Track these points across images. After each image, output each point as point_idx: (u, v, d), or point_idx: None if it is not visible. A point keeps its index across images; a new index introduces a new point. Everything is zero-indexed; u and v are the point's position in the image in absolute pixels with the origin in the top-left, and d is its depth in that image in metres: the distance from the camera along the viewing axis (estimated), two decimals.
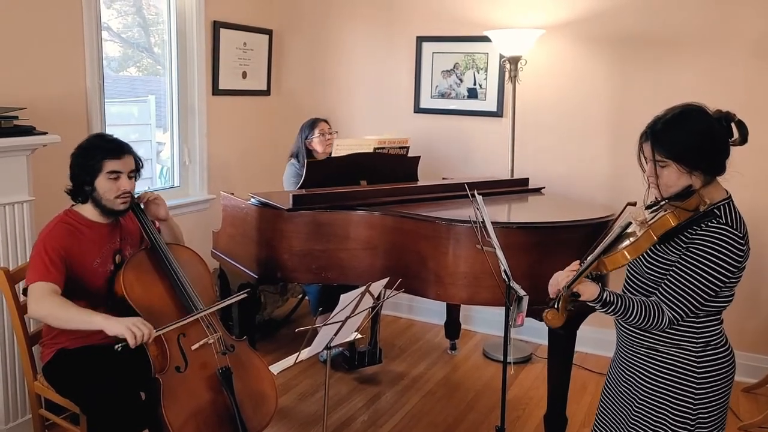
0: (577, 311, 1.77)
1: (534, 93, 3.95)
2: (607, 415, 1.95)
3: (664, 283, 1.73)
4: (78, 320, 2.18)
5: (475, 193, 2.26)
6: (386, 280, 2.33)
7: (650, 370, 1.80)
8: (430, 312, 4.35)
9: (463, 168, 4.17)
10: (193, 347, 2.29)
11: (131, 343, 2.08)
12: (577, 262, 1.81)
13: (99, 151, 2.30)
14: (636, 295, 1.83)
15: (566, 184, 3.87)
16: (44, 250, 2.22)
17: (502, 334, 2.66)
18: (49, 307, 2.17)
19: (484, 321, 4.25)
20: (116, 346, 2.10)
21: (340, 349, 3.55)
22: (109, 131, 3.39)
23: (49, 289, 2.19)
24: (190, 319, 2.32)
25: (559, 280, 1.77)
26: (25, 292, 2.27)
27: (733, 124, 1.72)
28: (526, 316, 2.19)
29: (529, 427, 3.13)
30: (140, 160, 2.42)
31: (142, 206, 2.49)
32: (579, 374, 3.59)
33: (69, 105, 3.18)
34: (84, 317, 2.18)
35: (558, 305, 1.69)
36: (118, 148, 2.33)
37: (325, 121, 3.87)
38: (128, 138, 2.47)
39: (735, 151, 1.74)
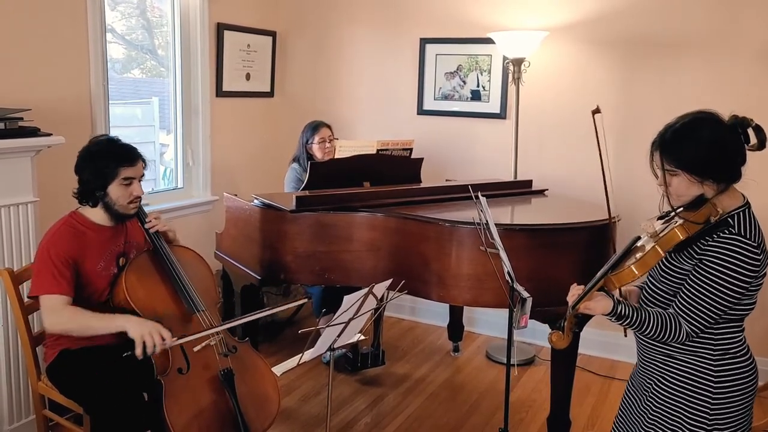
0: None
1: (537, 95, 3.94)
2: (625, 421, 1.93)
3: (680, 296, 1.69)
4: (98, 326, 2.21)
5: (479, 194, 2.26)
6: (389, 281, 2.33)
7: (666, 376, 1.77)
8: (433, 314, 4.34)
9: (466, 170, 4.17)
10: (196, 349, 2.29)
11: (138, 353, 2.11)
12: (578, 286, 1.80)
13: (113, 158, 2.29)
14: (654, 304, 1.79)
15: (570, 185, 3.86)
16: (50, 259, 2.22)
17: (506, 336, 2.65)
18: (67, 320, 2.20)
19: (487, 323, 4.25)
20: (125, 354, 2.12)
21: (343, 350, 3.55)
22: (113, 133, 3.40)
23: (61, 302, 2.21)
24: (219, 329, 2.33)
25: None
26: (34, 298, 2.27)
27: (750, 129, 1.67)
28: (530, 318, 2.19)
29: (532, 430, 3.12)
30: (146, 161, 2.43)
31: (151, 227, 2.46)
32: (582, 376, 3.58)
33: (73, 106, 3.18)
34: (104, 323, 2.21)
35: (563, 327, 1.67)
36: (132, 156, 2.34)
37: (328, 127, 3.83)
38: (132, 140, 2.47)
39: (751, 157, 1.69)
